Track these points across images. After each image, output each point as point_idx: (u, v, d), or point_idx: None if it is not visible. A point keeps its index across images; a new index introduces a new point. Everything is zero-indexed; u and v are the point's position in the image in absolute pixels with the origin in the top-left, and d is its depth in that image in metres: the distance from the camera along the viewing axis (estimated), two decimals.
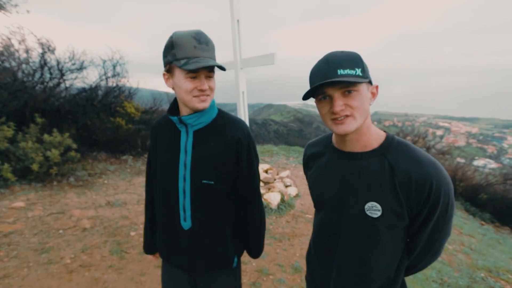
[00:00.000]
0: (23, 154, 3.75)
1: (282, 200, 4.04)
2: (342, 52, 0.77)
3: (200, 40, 0.90)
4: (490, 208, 5.89)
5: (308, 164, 1.03)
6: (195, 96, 0.93)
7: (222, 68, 0.93)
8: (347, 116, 0.76)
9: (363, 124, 0.80)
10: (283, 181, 4.67)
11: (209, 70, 0.93)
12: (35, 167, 3.67)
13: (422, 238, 0.82)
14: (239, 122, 1.05)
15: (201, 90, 0.93)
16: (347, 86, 0.75)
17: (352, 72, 0.74)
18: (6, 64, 4.58)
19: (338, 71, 0.74)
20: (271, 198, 3.96)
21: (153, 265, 2.47)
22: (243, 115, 3.94)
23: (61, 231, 2.89)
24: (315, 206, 1.00)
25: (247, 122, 4.03)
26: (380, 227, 0.80)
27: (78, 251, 2.58)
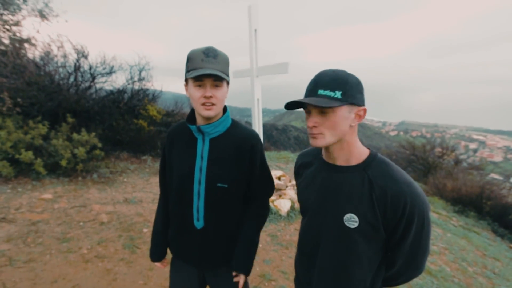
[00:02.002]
0: (54, 151, 4.09)
1: (293, 207, 4.03)
2: (333, 71, 0.83)
3: (208, 54, 1.01)
4: None
5: (298, 173, 1.10)
6: (202, 104, 1.03)
7: (222, 77, 1.00)
8: (318, 133, 0.84)
9: (342, 142, 0.86)
10: (295, 189, 4.66)
11: (215, 80, 1.01)
12: (63, 163, 3.99)
13: (401, 252, 0.86)
14: (252, 131, 1.17)
15: (206, 97, 1.02)
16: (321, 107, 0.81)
17: (331, 94, 0.79)
18: (46, 69, 5.05)
19: (319, 90, 0.81)
20: (281, 205, 3.97)
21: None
22: (257, 121, 4.01)
23: (81, 223, 3.12)
24: (301, 212, 1.06)
25: (261, 128, 4.10)
26: (357, 237, 0.85)
27: (95, 243, 2.77)
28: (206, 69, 0.98)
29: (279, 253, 3.00)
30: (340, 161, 0.90)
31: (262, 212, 1.24)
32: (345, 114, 0.81)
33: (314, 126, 0.83)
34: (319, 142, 0.84)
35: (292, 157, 7.46)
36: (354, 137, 0.88)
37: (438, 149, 11.27)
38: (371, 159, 0.87)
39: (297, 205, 4.10)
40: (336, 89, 0.79)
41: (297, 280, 1.10)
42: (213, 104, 1.03)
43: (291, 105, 0.86)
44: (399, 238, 0.83)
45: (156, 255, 1.31)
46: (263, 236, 3.33)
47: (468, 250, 4.03)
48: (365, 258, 0.87)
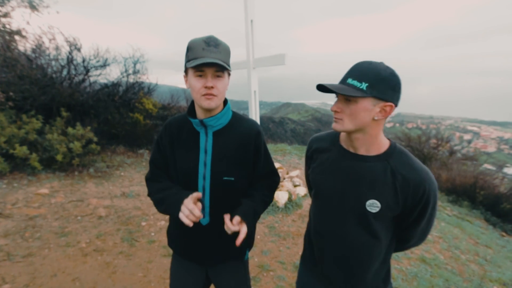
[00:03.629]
0: (49, 145, 4.05)
1: (290, 199, 4.07)
2: (369, 63, 0.86)
3: (210, 43, 0.97)
4: None
5: (312, 157, 1.14)
6: (202, 95, 0.99)
7: (224, 67, 0.97)
8: (339, 118, 0.91)
9: (364, 133, 0.91)
10: (292, 181, 4.69)
11: (217, 70, 0.98)
12: (59, 157, 3.96)
13: (416, 231, 0.98)
14: (252, 121, 1.18)
15: (207, 88, 0.98)
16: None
17: (358, 84, 0.84)
18: (38, 62, 4.94)
19: (349, 79, 0.86)
20: (279, 197, 4.00)
21: (160, 254, 2.61)
22: (254, 114, 4.00)
23: (79, 218, 3.12)
24: (314, 195, 1.11)
25: (258, 120, 4.09)
26: (375, 220, 0.94)
27: (93, 237, 2.77)
28: (207, 58, 0.95)
29: (277, 244, 3.04)
30: (362, 151, 0.95)
31: (272, 182, 1.22)
32: (368, 106, 0.85)
33: (337, 111, 0.90)
34: (338, 127, 0.91)
35: (288, 149, 7.46)
36: (378, 130, 0.92)
37: (433, 140, 11.37)
38: (392, 150, 0.93)
39: (294, 197, 4.14)
40: (363, 80, 0.83)
41: (305, 256, 1.18)
42: (214, 95, 0.99)
43: (321, 88, 0.90)
44: (415, 218, 0.93)
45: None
46: (261, 227, 3.37)
47: (461, 239, 4.13)
48: (382, 236, 0.96)
